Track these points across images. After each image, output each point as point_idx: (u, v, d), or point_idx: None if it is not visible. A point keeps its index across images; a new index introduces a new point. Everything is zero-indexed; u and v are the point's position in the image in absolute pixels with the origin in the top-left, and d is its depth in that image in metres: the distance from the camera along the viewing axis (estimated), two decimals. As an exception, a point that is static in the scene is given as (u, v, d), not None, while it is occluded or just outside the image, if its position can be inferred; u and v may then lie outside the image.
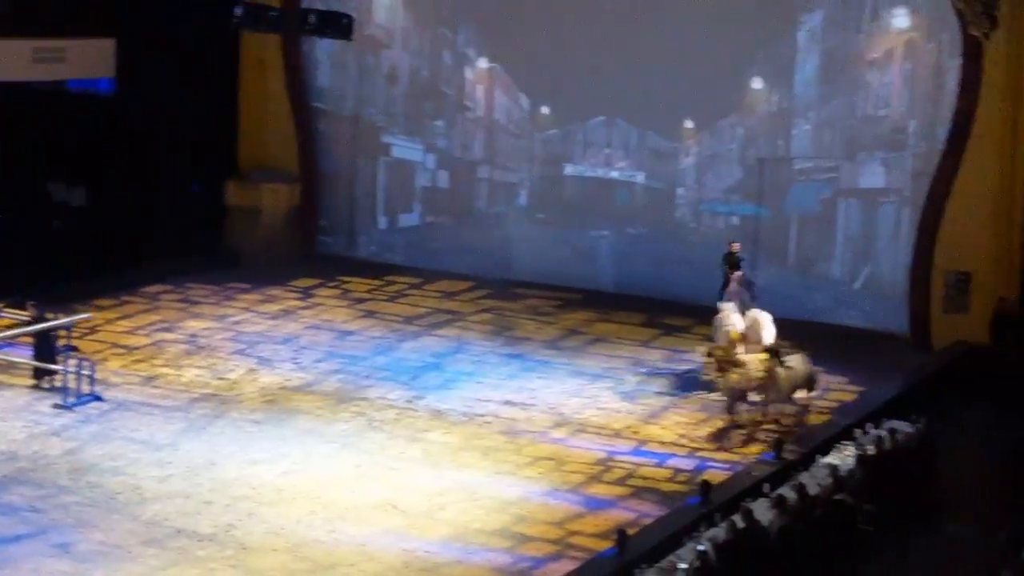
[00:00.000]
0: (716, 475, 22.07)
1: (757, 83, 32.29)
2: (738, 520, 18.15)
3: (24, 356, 26.19)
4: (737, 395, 24.36)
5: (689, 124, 33.05)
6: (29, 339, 26.33)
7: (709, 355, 24.87)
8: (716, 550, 17.38)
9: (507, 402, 25.57)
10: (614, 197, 34.04)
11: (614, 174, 34.04)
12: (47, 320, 26.32)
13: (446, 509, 21.04)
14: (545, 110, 34.56)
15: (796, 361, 24.46)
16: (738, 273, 28.02)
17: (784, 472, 20.99)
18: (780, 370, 23.97)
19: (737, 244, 28.85)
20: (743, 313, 26.35)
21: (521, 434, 24.20)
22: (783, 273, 31.56)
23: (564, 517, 20.84)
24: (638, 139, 33.60)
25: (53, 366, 25.34)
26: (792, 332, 26.41)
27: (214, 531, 19.89)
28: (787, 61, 32.11)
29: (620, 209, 33.89)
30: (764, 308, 26.39)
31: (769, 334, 25.46)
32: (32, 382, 25.66)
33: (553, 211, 34.67)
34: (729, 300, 27.11)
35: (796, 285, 31.37)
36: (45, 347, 25.84)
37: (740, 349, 25.05)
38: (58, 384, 25.18)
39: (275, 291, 33.03)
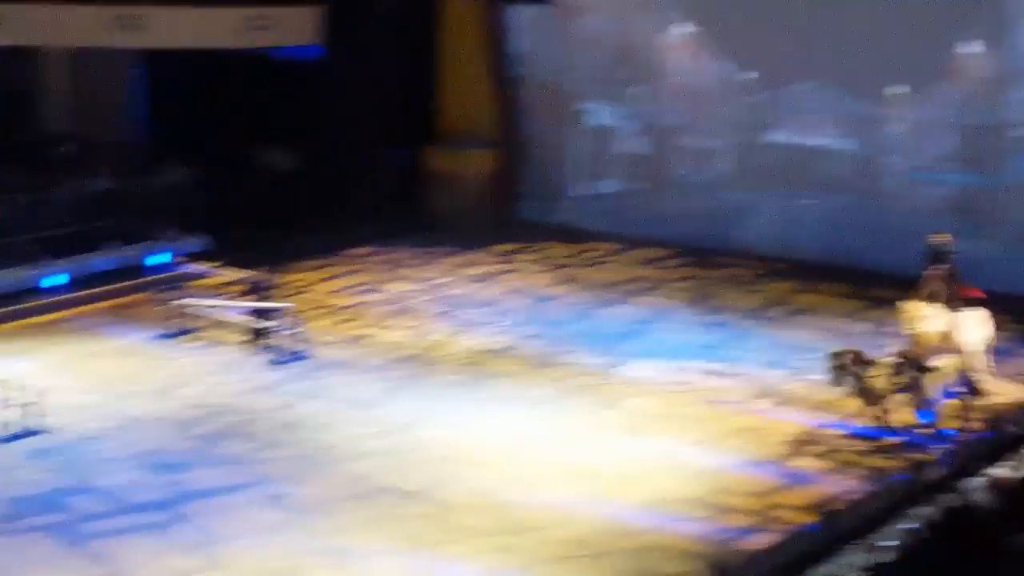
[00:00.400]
0: (925, 453, 21.57)
1: (970, 46, 31.25)
2: (952, 499, 17.72)
3: (239, 314, 27.02)
4: (873, 399, 22.82)
5: (899, 89, 32.21)
6: (244, 299, 27.16)
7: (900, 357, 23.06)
8: (928, 530, 17.05)
9: (708, 371, 25.43)
10: (820, 165, 33.50)
11: (820, 141, 33.47)
12: (261, 281, 27.07)
13: (645, 476, 21.05)
14: (749, 75, 34.10)
15: (946, 361, 22.52)
16: (941, 268, 24.28)
17: (1002, 451, 20.42)
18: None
19: (943, 236, 24.45)
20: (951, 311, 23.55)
21: (722, 404, 24.04)
22: (997, 246, 30.48)
23: (766, 489, 20.64)
24: (846, 105, 32.90)
25: (267, 323, 25.99)
26: (1008, 307, 25.54)
27: (417, 489, 20.27)
28: (1002, 22, 31.01)
29: (826, 177, 33.31)
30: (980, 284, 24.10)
31: (977, 336, 22.85)
32: (246, 339, 26.43)
33: (756, 179, 34.23)
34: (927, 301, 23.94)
35: (1012, 259, 30.26)
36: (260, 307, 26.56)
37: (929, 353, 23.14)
38: (271, 342, 25.88)
39: (477, 255, 33.44)
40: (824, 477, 21.17)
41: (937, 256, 24.22)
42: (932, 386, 22.35)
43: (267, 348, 25.85)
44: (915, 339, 23.22)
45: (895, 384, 22.56)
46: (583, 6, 36.00)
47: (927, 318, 23.08)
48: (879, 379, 22.64)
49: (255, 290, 27.19)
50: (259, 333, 26.16)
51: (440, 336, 27.42)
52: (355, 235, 34.08)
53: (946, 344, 23.11)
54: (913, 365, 22.44)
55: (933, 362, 22.58)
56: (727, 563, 17.19)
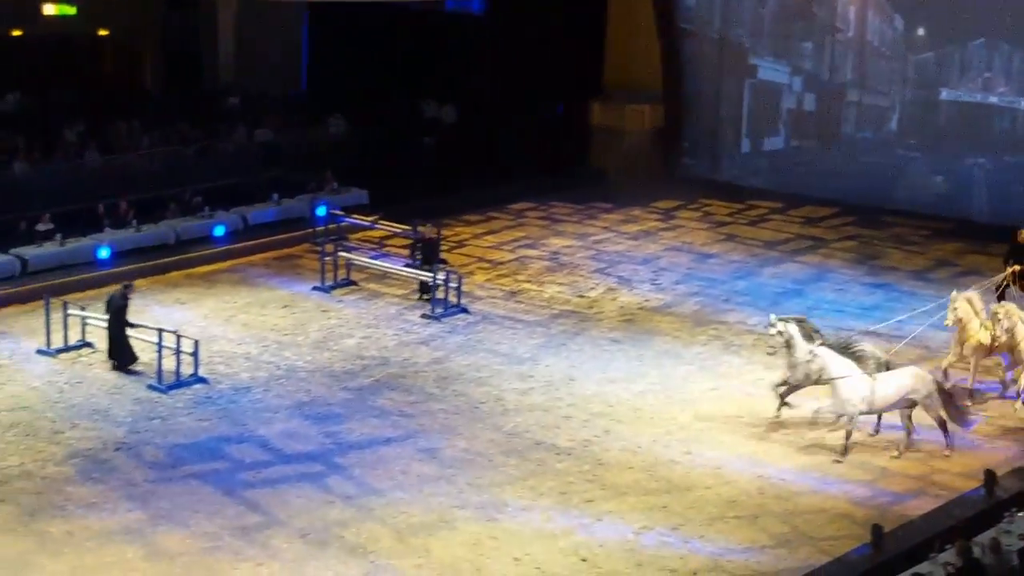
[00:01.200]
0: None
1: None
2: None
3: (398, 268, 27.16)
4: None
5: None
6: (403, 252, 27.30)
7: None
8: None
9: (870, 332, 24.84)
10: (991, 123, 32.53)
11: (993, 99, 32.50)
12: (420, 235, 27.19)
13: (803, 437, 20.72)
14: (920, 31, 33.28)
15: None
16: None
17: None
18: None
19: None
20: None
21: (884, 366, 23.53)
22: None
23: (927, 454, 20.19)
24: (1021, 62, 31.91)
25: (426, 275, 26.08)
26: None
27: (572, 445, 20.20)
28: None
29: (999, 136, 32.37)
30: None
31: None
32: (405, 292, 26.55)
33: (925, 137, 33.46)
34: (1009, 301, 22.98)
35: None
36: (424, 259, 26.65)
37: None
38: (429, 296, 25.95)
39: (636, 211, 33.22)
40: (988, 443, 20.63)
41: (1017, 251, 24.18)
42: None
43: (425, 302, 25.95)
44: (962, 336, 21.98)
45: None
46: (753, -40, 35.47)
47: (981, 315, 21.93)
48: None
49: (414, 244, 27.32)
50: (423, 288, 26.23)
51: (597, 293, 27.27)
52: (515, 190, 34.06)
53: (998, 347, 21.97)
54: None
55: None
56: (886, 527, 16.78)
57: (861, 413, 20.03)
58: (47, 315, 23.22)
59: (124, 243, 27.92)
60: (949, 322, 22.08)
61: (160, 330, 22.00)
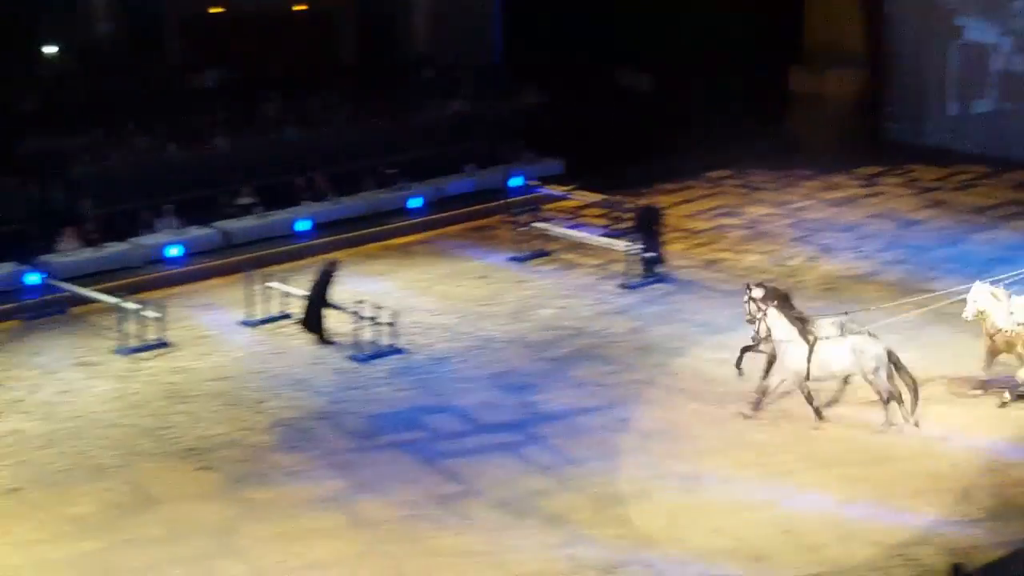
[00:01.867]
0: None
1: None
2: None
3: (594, 237, 26.98)
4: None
5: None
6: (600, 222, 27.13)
7: None
8: None
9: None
10: None
11: None
12: (617, 204, 27.00)
13: (1014, 408, 19.94)
14: None
15: None
16: None
17: None
18: None
19: None
20: None
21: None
22: None
23: None
24: None
25: (624, 247, 25.79)
26: None
27: (768, 416, 19.67)
28: None
29: None
30: None
31: None
32: (601, 262, 26.37)
33: None
34: None
35: None
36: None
37: None
38: (627, 266, 25.69)
39: (838, 178, 32.48)
40: None
41: None
42: None
43: (625, 271, 25.70)
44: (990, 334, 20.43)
45: None
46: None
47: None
48: None
49: (613, 214, 27.11)
50: (648, 260, 25.75)
51: (798, 261, 26.75)
52: (713, 158, 33.58)
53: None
54: None
55: None
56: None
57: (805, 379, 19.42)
58: (249, 287, 23.64)
59: (322, 216, 28.33)
60: (969, 316, 20.54)
61: (359, 301, 22.22)
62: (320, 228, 28.02)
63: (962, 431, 19.32)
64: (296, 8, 35.36)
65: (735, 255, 27.14)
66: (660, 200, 30.09)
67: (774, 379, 19.75)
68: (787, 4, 35.71)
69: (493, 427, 19.63)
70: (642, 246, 25.71)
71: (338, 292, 23.01)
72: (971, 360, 21.20)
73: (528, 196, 29.55)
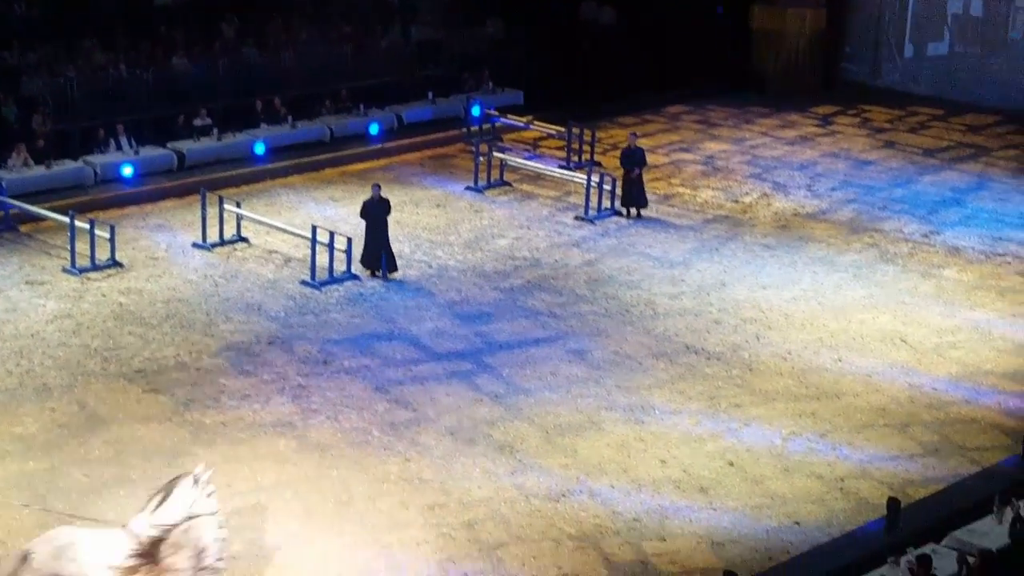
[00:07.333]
0: None
1: None
2: None
3: (551, 169, 27.07)
4: None
5: None
6: (557, 153, 27.17)
7: None
8: None
9: (1032, 243, 24.34)
10: None
11: None
12: (574, 136, 27.01)
13: (956, 347, 20.37)
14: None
15: None
16: None
17: None
18: None
19: None
20: None
21: (1043, 277, 23.01)
22: None
23: (1086, 367, 19.74)
24: None
25: (578, 178, 25.91)
26: None
27: (721, 350, 20.06)
28: None
29: None
30: None
31: None
32: (555, 193, 26.49)
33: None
34: None
35: None
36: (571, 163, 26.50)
37: None
38: (581, 198, 25.84)
39: (794, 117, 32.68)
40: None
41: None
42: None
43: (573, 205, 25.82)
44: None
45: None
46: None
47: None
48: None
49: (568, 145, 27.15)
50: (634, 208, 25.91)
51: (752, 198, 26.92)
52: (672, 93, 33.67)
53: None
54: None
55: None
56: None
57: None
58: (203, 209, 23.57)
59: (279, 139, 28.22)
60: None
61: (313, 226, 22.22)
62: (277, 152, 27.94)
63: (907, 368, 19.66)
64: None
65: (691, 190, 27.29)
66: (619, 134, 30.17)
67: None
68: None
69: (445, 355, 19.77)
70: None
71: (292, 215, 22.94)
72: (919, 299, 21.53)
73: (488, 126, 29.53)
